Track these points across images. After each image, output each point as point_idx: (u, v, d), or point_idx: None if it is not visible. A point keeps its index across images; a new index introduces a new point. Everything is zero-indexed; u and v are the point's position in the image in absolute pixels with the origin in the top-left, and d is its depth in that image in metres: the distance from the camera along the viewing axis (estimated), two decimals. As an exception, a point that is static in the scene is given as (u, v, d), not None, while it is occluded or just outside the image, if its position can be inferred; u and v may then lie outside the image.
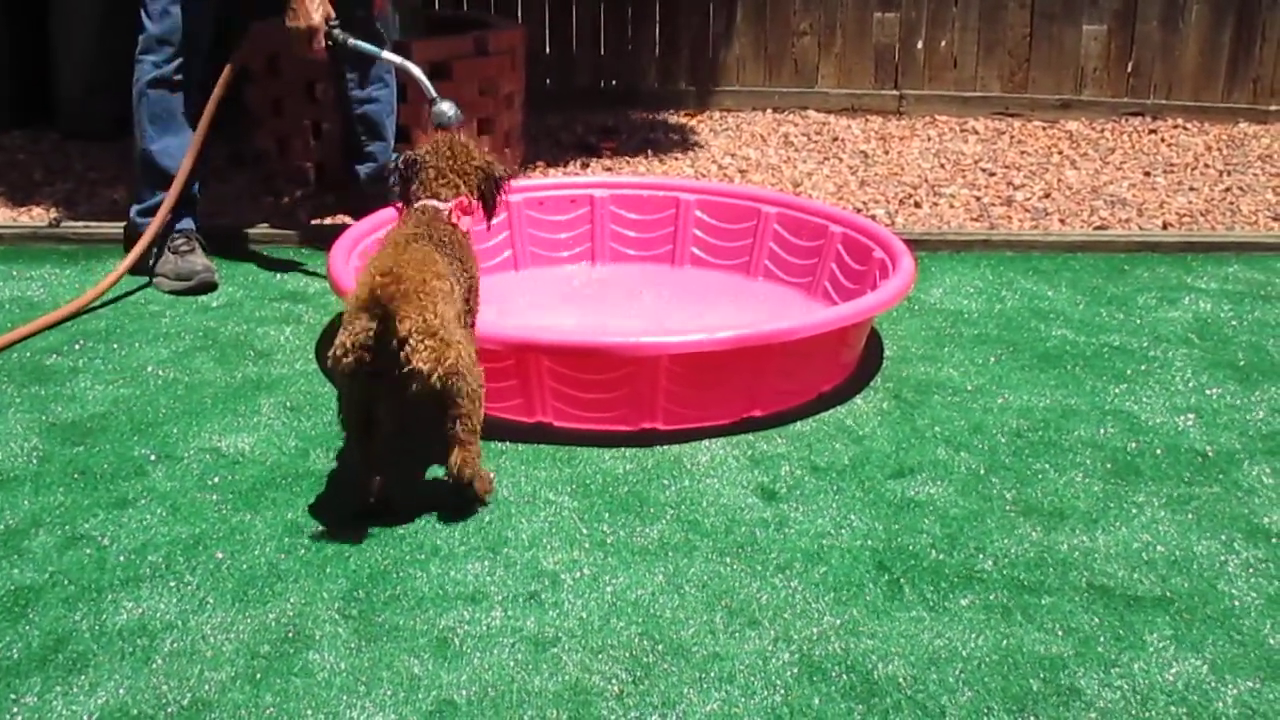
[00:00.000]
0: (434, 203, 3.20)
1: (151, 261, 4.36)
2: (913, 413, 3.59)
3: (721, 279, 4.45)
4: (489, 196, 3.31)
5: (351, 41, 4.19)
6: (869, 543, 2.97)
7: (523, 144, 5.75)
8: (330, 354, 2.85)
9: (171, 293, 4.31)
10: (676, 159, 5.93)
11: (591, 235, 4.57)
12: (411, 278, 2.82)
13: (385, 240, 3.09)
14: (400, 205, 3.32)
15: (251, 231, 4.82)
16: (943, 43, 6.81)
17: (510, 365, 3.35)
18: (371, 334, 2.76)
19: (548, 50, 6.76)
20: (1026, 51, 6.79)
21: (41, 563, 2.82)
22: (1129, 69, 6.81)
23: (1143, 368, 3.92)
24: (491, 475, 3.10)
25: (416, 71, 4.21)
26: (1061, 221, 5.23)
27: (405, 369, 2.78)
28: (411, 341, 2.77)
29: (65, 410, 3.50)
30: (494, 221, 3.45)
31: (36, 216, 4.97)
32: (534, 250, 4.52)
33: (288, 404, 3.56)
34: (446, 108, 4.10)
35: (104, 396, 3.58)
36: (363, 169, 4.86)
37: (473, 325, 3.20)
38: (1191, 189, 5.66)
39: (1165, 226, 5.20)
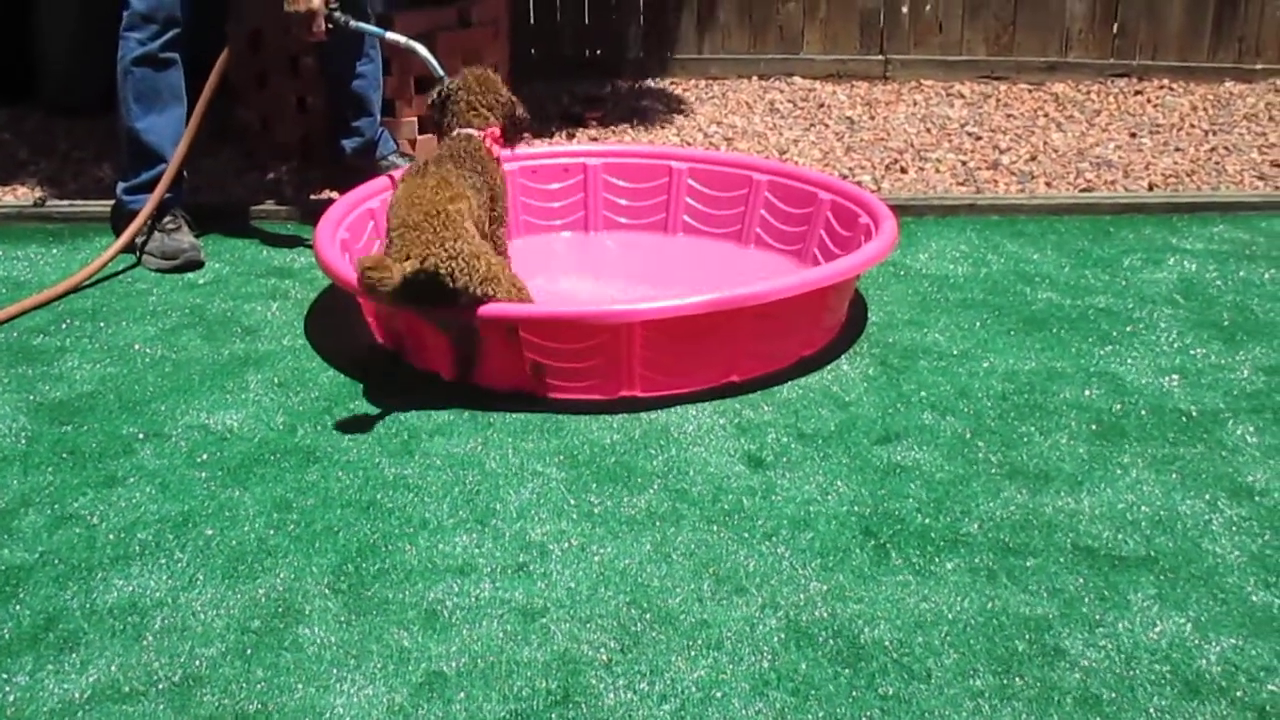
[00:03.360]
0: (470, 130, 3.69)
1: (139, 239, 4.35)
2: (898, 378, 3.60)
3: (713, 247, 4.45)
4: (511, 130, 3.83)
5: (353, 24, 4.16)
6: (855, 508, 2.98)
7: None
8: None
9: (158, 271, 4.30)
10: (663, 127, 5.91)
11: (585, 204, 4.57)
12: (427, 216, 3.28)
13: (408, 172, 3.58)
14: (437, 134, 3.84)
15: (237, 207, 4.81)
16: (928, 6, 6.77)
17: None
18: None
19: (532, 20, 6.73)
20: (1012, 14, 6.76)
21: (31, 542, 2.84)
22: (1114, 30, 6.78)
23: (1128, 329, 3.93)
24: None
25: (423, 51, 4.20)
26: (1047, 184, 5.23)
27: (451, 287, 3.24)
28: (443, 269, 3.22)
29: (53, 389, 3.51)
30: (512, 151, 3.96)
31: (21, 195, 4.96)
32: (527, 219, 4.52)
33: (275, 380, 3.57)
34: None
35: (91, 375, 3.59)
36: (349, 143, 4.85)
37: (504, 226, 3.79)
38: (1177, 149, 5.66)
39: (1151, 187, 5.21)
